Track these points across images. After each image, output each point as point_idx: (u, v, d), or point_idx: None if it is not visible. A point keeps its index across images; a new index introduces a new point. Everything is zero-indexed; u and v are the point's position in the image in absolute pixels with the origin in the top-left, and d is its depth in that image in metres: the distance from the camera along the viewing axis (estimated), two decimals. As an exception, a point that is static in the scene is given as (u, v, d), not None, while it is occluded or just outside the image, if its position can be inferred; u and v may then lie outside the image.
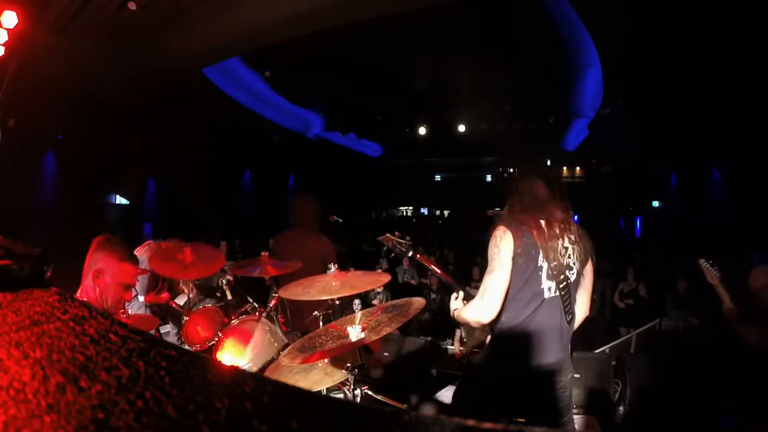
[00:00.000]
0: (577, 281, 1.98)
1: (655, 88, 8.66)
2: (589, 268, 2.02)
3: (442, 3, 6.32)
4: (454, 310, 2.11)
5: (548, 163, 17.47)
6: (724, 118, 8.69)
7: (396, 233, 2.38)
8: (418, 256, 2.34)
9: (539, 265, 1.87)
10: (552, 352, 1.90)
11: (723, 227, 9.56)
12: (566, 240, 1.92)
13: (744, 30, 5.93)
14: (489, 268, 1.89)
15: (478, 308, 1.89)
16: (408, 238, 2.37)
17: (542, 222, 1.90)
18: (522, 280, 1.87)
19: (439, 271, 2.36)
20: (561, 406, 1.93)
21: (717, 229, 9.85)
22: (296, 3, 5.76)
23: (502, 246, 1.86)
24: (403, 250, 2.34)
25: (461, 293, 2.13)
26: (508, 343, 1.93)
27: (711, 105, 8.45)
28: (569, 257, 1.92)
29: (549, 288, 1.89)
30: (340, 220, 4.07)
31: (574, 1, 6.36)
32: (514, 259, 1.86)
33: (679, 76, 8.00)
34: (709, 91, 8.01)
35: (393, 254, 2.42)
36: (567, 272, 1.92)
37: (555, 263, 1.88)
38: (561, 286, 1.91)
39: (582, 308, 2.05)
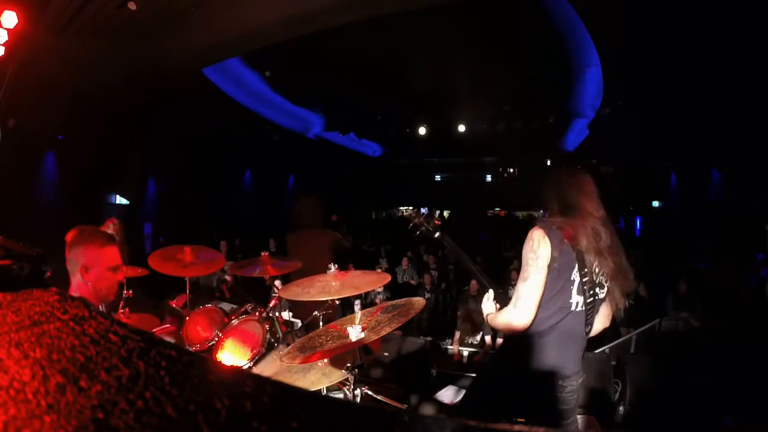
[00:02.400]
0: (605, 299, 1.91)
1: (655, 88, 8.66)
2: (616, 285, 1.91)
3: (442, 3, 6.32)
4: (488, 314, 2.00)
5: (548, 163, 17.52)
6: (724, 118, 8.69)
7: (423, 210, 2.29)
8: (444, 240, 2.20)
9: (572, 278, 1.79)
10: (569, 362, 1.87)
11: (723, 227, 9.57)
12: (603, 256, 1.81)
13: (744, 30, 5.93)
14: (524, 274, 1.80)
15: (512, 316, 1.81)
16: (436, 216, 2.26)
17: (582, 233, 1.78)
18: (552, 290, 1.79)
19: (466, 259, 2.19)
20: (568, 409, 1.92)
21: (717, 229, 9.86)
22: (296, 3, 5.76)
23: (540, 253, 1.76)
24: (430, 229, 2.21)
25: (491, 293, 2.03)
26: (526, 349, 1.87)
27: (711, 105, 8.44)
28: (604, 275, 1.84)
29: (577, 303, 1.82)
30: (343, 225, 4.13)
31: (574, 1, 6.35)
32: (549, 266, 1.77)
33: (679, 76, 8.00)
34: (709, 91, 8.01)
35: (418, 233, 2.26)
36: (597, 289, 1.84)
37: (587, 278, 1.80)
38: (588, 301, 1.83)
39: (606, 319, 1.99)
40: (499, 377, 2.05)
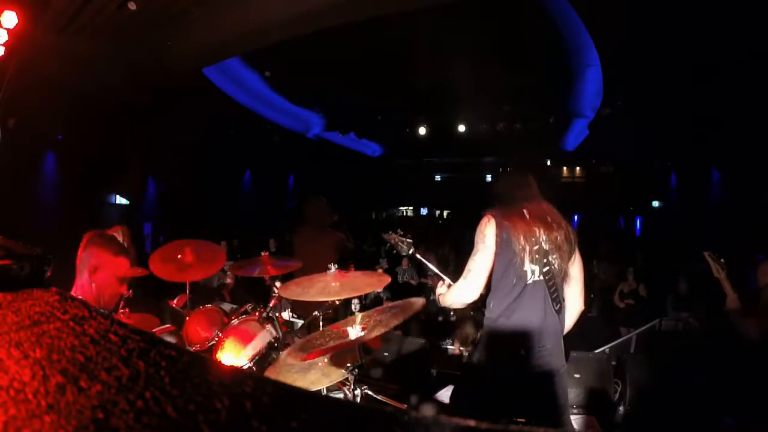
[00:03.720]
0: (563, 270, 2.03)
1: (655, 88, 8.65)
2: (576, 259, 2.09)
3: (442, 3, 6.31)
4: (439, 294, 2.21)
5: (548, 163, 17.52)
6: (724, 118, 8.68)
7: (399, 231, 2.46)
8: (417, 254, 2.43)
9: (521, 246, 1.96)
10: (540, 338, 1.95)
11: (723, 227, 9.57)
12: (549, 228, 2.01)
13: (744, 30, 5.92)
14: (474, 252, 2.03)
15: (462, 287, 2.02)
16: (410, 236, 2.46)
17: (523, 211, 2.02)
18: (504, 264, 1.97)
19: (437, 271, 2.41)
20: (558, 405, 1.94)
21: (717, 228, 9.86)
22: (296, 3, 5.76)
23: (487, 231, 2.00)
24: (404, 247, 2.42)
25: (447, 280, 2.25)
26: (498, 332, 1.99)
27: (711, 105, 8.44)
28: (552, 243, 2.01)
29: (532, 271, 1.97)
30: (344, 225, 4.16)
31: (574, 1, 6.35)
32: (497, 243, 1.97)
33: (679, 76, 7.99)
34: (709, 91, 8.01)
35: (395, 251, 2.50)
36: (549, 257, 1.99)
37: (536, 247, 1.97)
38: (544, 270, 1.98)
39: (575, 300, 2.10)
40: (479, 371, 2.10)
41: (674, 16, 6.06)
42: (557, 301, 1.99)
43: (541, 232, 1.99)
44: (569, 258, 2.04)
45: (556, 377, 1.96)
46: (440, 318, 6.70)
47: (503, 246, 1.97)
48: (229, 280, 5.68)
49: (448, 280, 2.25)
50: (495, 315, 1.98)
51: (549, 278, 1.98)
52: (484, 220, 2.04)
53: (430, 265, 2.47)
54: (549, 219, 2.03)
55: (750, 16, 5.56)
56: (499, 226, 1.98)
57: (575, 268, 2.08)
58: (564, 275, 2.04)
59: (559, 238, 2.01)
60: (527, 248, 1.96)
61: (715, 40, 6.39)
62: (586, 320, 2.17)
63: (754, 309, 2.53)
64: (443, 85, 9.80)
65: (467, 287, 2.01)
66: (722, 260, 2.70)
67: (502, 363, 1.98)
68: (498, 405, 1.96)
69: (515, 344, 1.92)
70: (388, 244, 2.51)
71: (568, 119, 12.40)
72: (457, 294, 2.05)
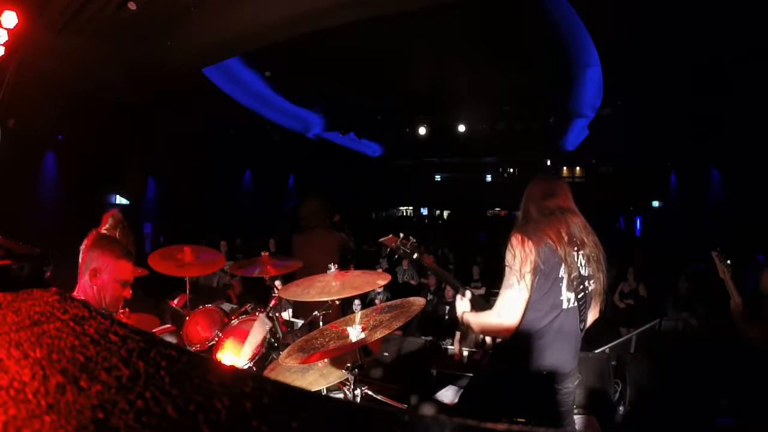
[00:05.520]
0: (595, 292, 1.92)
1: (655, 88, 8.65)
2: (601, 276, 1.95)
3: (442, 3, 6.31)
4: (462, 312, 2.01)
5: (548, 163, 17.53)
6: (724, 118, 8.69)
7: (400, 234, 2.25)
8: (424, 260, 2.24)
9: (560, 276, 1.78)
10: (565, 362, 1.85)
11: (723, 227, 9.57)
12: (586, 249, 1.85)
13: (744, 30, 5.92)
14: (506, 281, 1.79)
15: (496, 325, 1.82)
16: (413, 239, 2.27)
17: (562, 230, 1.80)
18: (542, 291, 1.78)
19: (454, 281, 2.28)
20: (564, 411, 1.92)
21: (716, 229, 9.87)
22: (296, 3, 5.76)
23: (521, 256, 1.76)
24: (408, 251, 2.22)
25: (468, 293, 2.03)
26: (522, 350, 1.85)
27: (711, 105, 8.44)
28: (591, 267, 1.86)
29: (568, 299, 1.82)
30: (345, 225, 4.15)
31: (574, 1, 6.34)
32: (534, 270, 1.75)
33: (679, 76, 7.99)
34: (709, 91, 8.01)
35: (396, 256, 2.33)
36: (586, 282, 1.85)
37: (575, 274, 1.79)
38: (579, 296, 1.83)
39: (593, 313, 2.00)
40: (494, 378, 2.05)
41: (674, 16, 6.06)
42: (583, 321, 1.88)
43: (580, 255, 1.82)
44: (602, 277, 1.91)
45: (571, 389, 1.91)
46: (440, 318, 6.70)
47: (540, 274, 1.75)
48: (235, 282, 5.65)
49: (469, 293, 2.02)
50: (522, 335, 1.83)
51: (582, 303, 1.83)
52: (515, 241, 1.78)
53: (447, 276, 2.29)
54: (586, 239, 1.84)
55: (750, 16, 5.56)
56: (535, 250, 1.75)
57: (600, 285, 1.95)
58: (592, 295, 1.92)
59: (595, 261, 1.86)
60: (565, 276, 1.78)
61: (715, 40, 6.39)
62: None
63: (759, 316, 2.49)
64: (443, 85, 9.80)
65: (501, 326, 1.79)
66: (729, 261, 2.59)
67: (522, 375, 1.88)
68: (507, 411, 1.92)
69: (540, 363, 1.82)
70: (389, 249, 2.30)
71: (568, 119, 12.41)
72: (487, 329, 1.89)
